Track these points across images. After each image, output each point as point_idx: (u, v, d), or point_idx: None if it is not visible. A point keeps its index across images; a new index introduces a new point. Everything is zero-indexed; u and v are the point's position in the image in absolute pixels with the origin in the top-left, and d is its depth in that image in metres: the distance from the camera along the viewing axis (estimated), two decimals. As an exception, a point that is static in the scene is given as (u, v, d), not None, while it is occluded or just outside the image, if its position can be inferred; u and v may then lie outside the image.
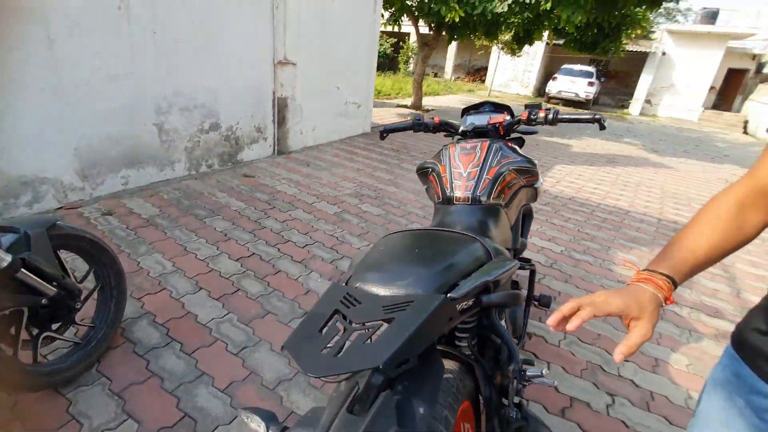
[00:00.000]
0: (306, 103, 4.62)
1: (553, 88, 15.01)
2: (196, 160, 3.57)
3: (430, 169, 1.39)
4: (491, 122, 1.52)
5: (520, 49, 8.54)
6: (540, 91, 18.03)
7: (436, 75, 20.43)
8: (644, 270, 0.67)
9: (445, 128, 1.59)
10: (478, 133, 1.54)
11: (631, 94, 16.09)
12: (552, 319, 0.63)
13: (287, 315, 1.93)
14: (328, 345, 0.58)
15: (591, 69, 15.00)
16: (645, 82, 15.35)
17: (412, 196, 3.69)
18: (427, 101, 11.12)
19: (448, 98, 13.42)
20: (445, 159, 1.35)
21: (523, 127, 1.56)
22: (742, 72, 16.20)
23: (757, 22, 17.06)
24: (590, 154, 6.82)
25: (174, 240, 2.46)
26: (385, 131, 1.62)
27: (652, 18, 7.51)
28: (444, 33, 8.07)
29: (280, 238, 2.65)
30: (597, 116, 1.41)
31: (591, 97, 14.54)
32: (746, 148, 10.35)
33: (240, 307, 1.94)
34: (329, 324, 0.61)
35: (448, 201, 1.27)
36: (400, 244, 0.87)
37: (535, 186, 1.47)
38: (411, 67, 17.85)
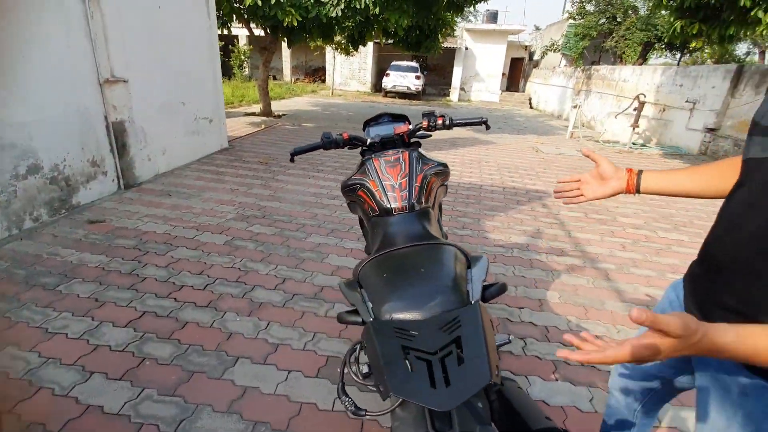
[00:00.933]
0: (148, 124, 4.01)
1: (388, 83, 16.33)
2: (17, 215, 2.77)
3: (358, 186, 1.44)
4: (397, 132, 1.65)
5: (356, 49, 9.04)
6: (377, 86, 19.40)
7: (275, 78, 19.89)
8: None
9: (354, 142, 1.64)
10: (384, 142, 1.65)
11: (450, 84, 18.71)
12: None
13: (218, 368, 1.73)
14: (424, 376, 0.59)
15: (415, 64, 16.84)
16: (457, 73, 18.04)
17: (299, 207, 3.63)
18: (276, 106, 10.82)
19: (295, 101, 13.30)
20: (372, 173, 1.42)
21: (421, 132, 1.74)
22: (520, 60, 20.51)
23: (524, 20, 21.63)
24: (434, 139, 7.76)
25: (26, 324, 1.90)
26: (295, 153, 1.59)
27: (457, 20, 8.86)
28: (281, 36, 7.95)
29: (171, 285, 2.31)
30: (483, 118, 1.67)
31: (420, 88, 16.38)
32: (536, 119, 13.25)
33: (155, 378, 1.65)
34: (410, 360, 0.62)
35: (387, 212, 1.34)
36: (399, 267, 0.91)
37: (446, 183, 1.67)
38: (246, 71, 16.95)
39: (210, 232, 3.01)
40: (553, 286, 2.61)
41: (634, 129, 8.06)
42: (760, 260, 0.64)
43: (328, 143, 1.57)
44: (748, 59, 16.67)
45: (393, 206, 1.33)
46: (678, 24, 4.42)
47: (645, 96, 8.13)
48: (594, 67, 12.44)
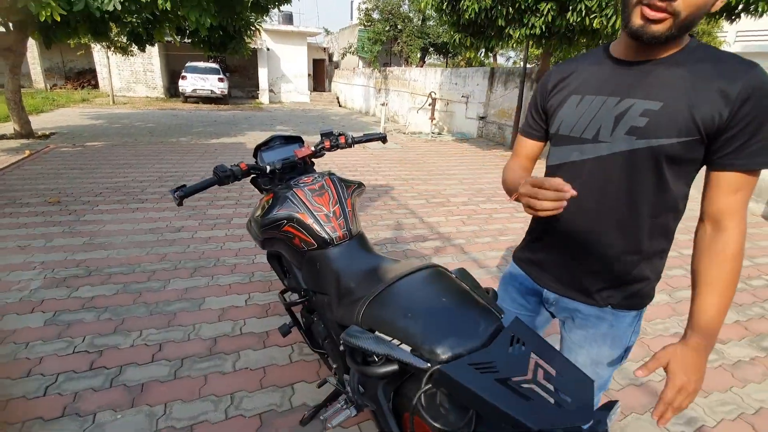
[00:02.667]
0: None
1: (186, 87, 14.54)
2: None
3: (284, 221, 1.31)
4: (301, 156, 1.56)
5: (142, 49, 7.71)
6: (171, 90, 16.99)
7: (22, 86, 14.94)
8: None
9: (253, 172, 1.47)
10: (286, 168, 1.53)
11: (257, 86, 18.01)
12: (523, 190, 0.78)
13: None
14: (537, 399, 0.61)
15: (215, 66, 15.49)
16: (263, 74, 17.51)
17: (138, 251, 2.96)
18: (37, 123, 8.25)
19: (63, 114, 10.42)
20: (299, 206, 1.31)
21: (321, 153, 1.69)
22: (321, 61, 21.41)
23: (318, 23, 22.52)
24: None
25: None
26: (185, 195, 1.31)
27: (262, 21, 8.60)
28: (32, 33, 6.06)
29: (-21, 408, 1.58)
30: (382, 134, 1.75)
31: (225, 92, 15.21)
32: (349, 117, 14.19)
33: None
34: (516, 389, 0.63)
35: (326, 244, 1.28)
36: (418, 302, 0.90)
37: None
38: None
39: (15, 314, 2.16)
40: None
41: (432, 121, 9.61)
42: (596, 240, 0.89)
43: (226, 177, 1.36)
44: (487, 62, 21.88)
45: (333, 236, 1.28)
46: (457, 36, 5.49)
47: (435, 93, 9.76)
48: (388, 68, 14.12)
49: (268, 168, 1.48)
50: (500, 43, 5.18)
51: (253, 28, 8.23)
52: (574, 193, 0.68)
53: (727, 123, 0.72)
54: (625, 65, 0.81)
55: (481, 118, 9.63)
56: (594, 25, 4.07)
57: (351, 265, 1.22)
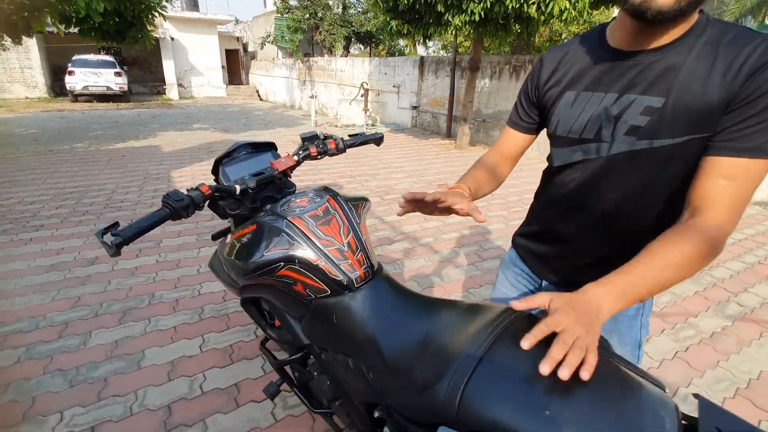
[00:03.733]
0: None
1: (75, 83, 12.48)
2: None
3: (281, 263, 0.96)
4: (282, 168, 1.20)
5: (17, 41, 6.30)
6: (56, 88, 14.50)
7: None
8: (455, 183, 0.93)
9: (219, 195, 1.09)
10: (261, 185, 1.17)
11: (163, 80, 16.13)
12: (408, 195, 0.84)
13: None
14: None
15: (110, 58, 13.50)
16: (169, 67, 15.71)
17: (40, 298, 2.30)
18: None
19: None
20: (301, 241, 0.97)
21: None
22: (235, 52, 19.85)
23: (228, 10, 20.81)
24: (188, 149, 6.58)
25: None
26: (124, 242, 0.88)
27: (166, 6, 7.54)
28: None
29: None
30: (379, 134, 1.44)
31: (125, 88, 13.37)
32: (274, 111, 13.33)
33: None
34: None
35: (344, 288, 0.96)
36: (557, 383, 0.57)
37: None
38: None
39: None
40: (407, 275, 2.72)
41: (366, 113, 9.34)
42: (610, 246, 0.85)
43: (183, 209, 0.97)
44: (407, 51, 22.07)
45: (352, 277, 0.96)
46: (393, 23, 5.25)
47: (368, 84, 9.48)
48: (312, 59, 13.47)
49: (238, 188, 1.10)
50: (439, 30, 5.05)
51: (156, 14, 7.17)
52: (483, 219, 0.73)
53: (732, 102, 0.62)
54: (624, 56, 0.73)
55: (414, 107, 9.59)
56: (531, 12, 4.10)
57: (391, 317, 0.92)
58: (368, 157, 6.34)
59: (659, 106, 0.69)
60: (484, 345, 0.66)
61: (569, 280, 0.93)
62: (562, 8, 3.98)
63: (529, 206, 1.07)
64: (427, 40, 5.67)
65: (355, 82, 11.28)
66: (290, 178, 1.29)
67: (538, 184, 1.02)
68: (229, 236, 1.17)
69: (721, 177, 0.64)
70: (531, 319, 0.72)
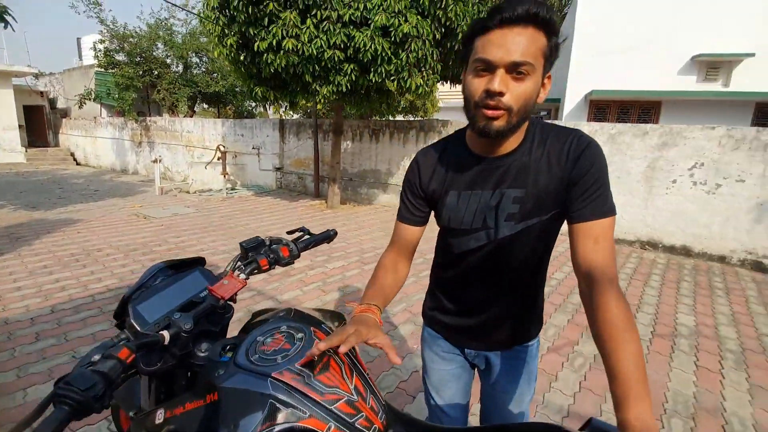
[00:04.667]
0: None
1: None
2: None
3: None
4: (227, 295, 0.90)
5: None
6: None
7: None
8: (361, 305, 0.92)
9: (142, 352, 0.75)
10: (196, 321, 0.86)
11: None
12: (323, 345, 0.72)
13: None
14: None
15: None
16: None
17: None
18: None
19: None
20: (300, 405, 0.70)
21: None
22: (38, 108, 16.29)
23: (30, 61, 17.24)
24: (-30, 239, 4.80)
25: None
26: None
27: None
28: None
29: None
30: (331, 231, 1.24)
31: None
32: (100, 177, 11.20)
33: None
34: None
35: None
36: None
37: None
38: None
39: None
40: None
41: (225, 176, 8.65)
42: (508, 313, 1.06)
43: (95, 399, 0.62)
44: (257, 112, 21.87)
45: (380, 428, 0.74)
46: (258, 89, 5.10)
47: (225, 147, 8.87)
48: (150, 118, 12.01)
49: (167, 335, 0.77)
50: (307, 97, 5.12)
51: None
52: (398, 361, 0.75)
53: (569, 183, 0.86)
54: (488, 161, 0.92)
55: (278, 168, 9.37)
56: (390, 86, 4.56)
57: None
58: (238, 226, 5.78)
59: (522, 195, 0.90)
60: None
61: (490, 344, 1.10)
62: (418, 84, 4.55)
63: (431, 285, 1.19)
64: (294, 107, 5.68)
65: (207, 144, 10.47)
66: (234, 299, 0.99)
67: None
68: (159, 413, 0.79)
69: (590, 239, 0.83)
70: None
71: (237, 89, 13.07)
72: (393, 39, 4.13)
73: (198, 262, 1.03)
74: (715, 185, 5.06)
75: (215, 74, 12.49)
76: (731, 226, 5.02)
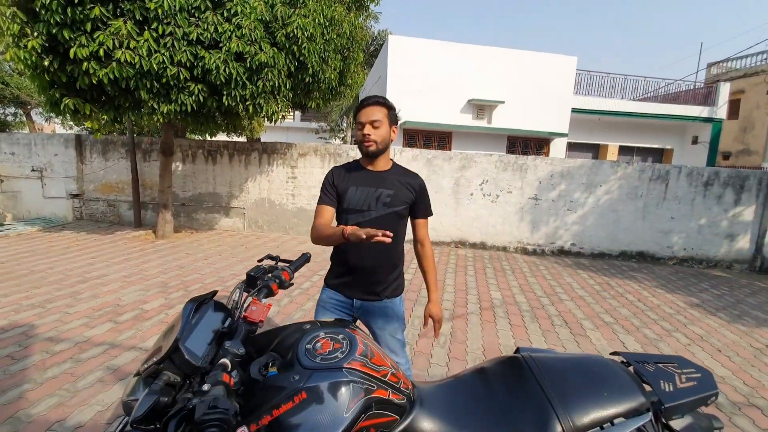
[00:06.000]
0: None
1: None
2: None
3: (362, 416, 0.89)
4: (262, 318, 1.01)
5: None
6: None
7: None
8: (345, 227, 1.55)
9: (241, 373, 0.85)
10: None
11: None
12: (371, 231, 1.31)
13: None
14: None
15: None
16: None
17: None
18: None
19: None
20: (370, 381, 0.93)
21: None
22: None
23: None
24: None
25: None
26: None
27: None
28: None
29: None
30: (307, 255, 1.39)
31: None
32: None
33: None
34: None
35: (411, 405, 1.01)
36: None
37: None
38: None
39: None
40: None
41: (-10, 208, 6.45)
42: (376, 266, 1.66)
43: (233, 418, 0.77)
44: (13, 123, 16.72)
45: (410, 393, 1.04)
46: (69, 101, 4.15)
47: (-14, 168, 6.61)
48: None
49: (228, 363, 0.89)
50: (139, 115, 4.49)
51: None
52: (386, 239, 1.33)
53: (415, 198, 1.68)
54: (372, 172, 1.67)
55: (75, 195, 7.58)
56: (249, 109, 4.54)
57: (457, 405, 1.05)
58: (37, 272, 4.52)
59: (392, 193, 1.63)
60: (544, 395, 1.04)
61: (370, 294, 1.68)
62: (274, 110, 4.68)
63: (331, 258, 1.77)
64: (117, 123, 4.85)
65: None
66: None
67: None
68: (240, 430, 0.85)
69: (424, 227, 1.76)
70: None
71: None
72: (248, 66, 4.16)
73: (213, 294, 1.08)
74: (495, 196, 6.94)
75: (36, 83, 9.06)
76: (507, 224, 6.99)
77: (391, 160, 1.73)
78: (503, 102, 11.06)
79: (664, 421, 1.01)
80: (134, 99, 4.31)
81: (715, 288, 5.51)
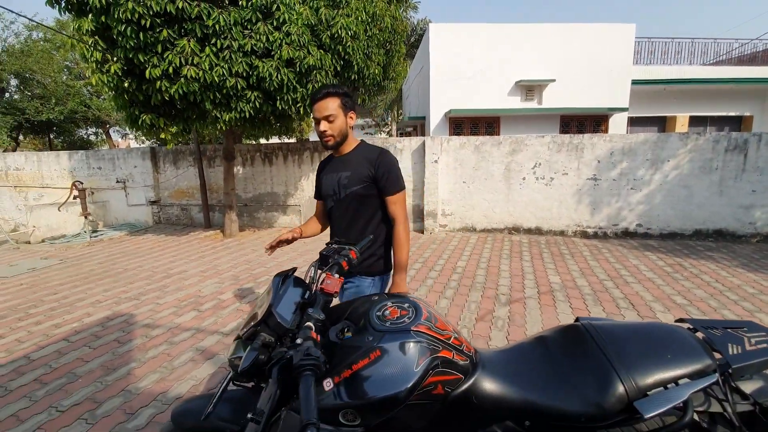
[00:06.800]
0: None
1: None
2: None
3: (430, 372, 0.99)
4: (335, 289, 1.15)
5: None
6: None
7: None
8: (298, 228, 1.83)
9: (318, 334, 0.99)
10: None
11: None
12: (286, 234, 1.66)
13: None
14: None
15: None
16: None
17: None
18: None
19: None
20: (435, 342, 1.03)
21: None
22: None
23: None
24: None
25: None
26: None
27: None
28: None
29: None
30: (370, 236, 1.52)
31: None
32: None
33: None
34: None
35: (473, 366, 1.09)
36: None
37: None
38: None
39: None
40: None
41: (86, 217, 7.40)
42: (361, 229, 1.74)
43: (324, 365, 0.90)
44: (96, 141, 18.78)
45: (472, 354, 1.12)
46: (146, 117, 4.69)
47: (81, 183, 7.58)
48: (-50, 156, 9.33)
49: (312, 326, 1.03)
50: (205, 124, 4.94)
51: None
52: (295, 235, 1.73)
53: (375, 175, 1.67)
54: (338, 158, 1.77)
55: (153, 202, 8.43)
56: (300, 111, 4.81)
57: (519, 367, 1.12)
58: (129, 270, 5.14)
59: (349, 174, 1.69)
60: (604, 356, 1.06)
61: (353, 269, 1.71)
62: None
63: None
64: (186, 134, 5.36)
65: (47, 181, 8.77)
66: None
67: None
68: (326, 382, 0.99)
69: (393, 204, 1.71)
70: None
71: (77, 115, 11.18)
72: (298, 70, 4.40)
73: (293, 271, 1.24)
74: (550, 179, 6.70)
75: (49, 99, 10.47)
76: (564, 208, 6.72)
77: (358, 140, 1.78)
78: (554, 80, 10.53)
79: (732, 383, 1.00)
80: (200, 110, 4.73)
81: (811, 266, 4.93)
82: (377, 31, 5.00)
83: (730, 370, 1.00)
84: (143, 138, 16.81)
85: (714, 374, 0.99)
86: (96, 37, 4.12)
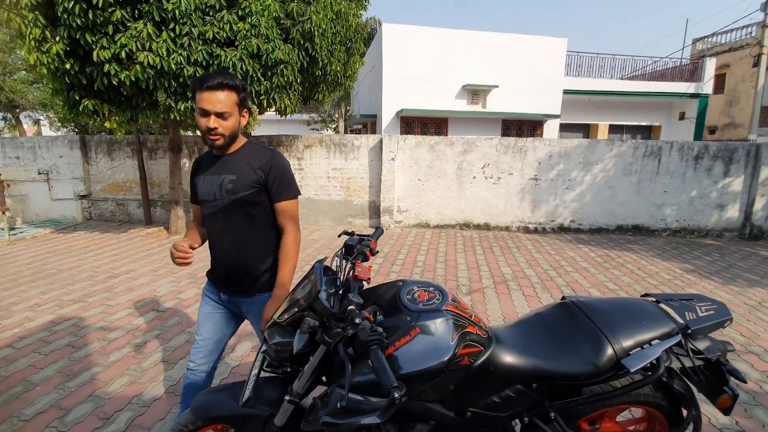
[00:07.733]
0: None
1: None
2: None
3: (461, 345, 1.13)
4: (367, 276, 1.24)
5: None
6: None
7: None
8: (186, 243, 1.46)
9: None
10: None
11: None
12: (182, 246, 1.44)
13: None
14: None
15: None
16: None
17: None
18: None
19: None
20: (462, 320, 1.17)
21: None
22: None
23: None
24: None
25: None
26: None
27: None
28: None
29: None
30: (380, 229, 1.60)
31: None
32: None
33: None
34: None
35: (490, 340, 1.25)
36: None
37: None
38: None
39: None
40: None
41: (4, 213, 6.53)
42: (237, 260, 1.51)
43: (386, 340, 1.00)
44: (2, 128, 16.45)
45: (488, 330, 1.28)
46: (88, 103, 4.25)
47: (0, 174, 6.66)
48: None
49: (354, 307, 1.12)
50: (156, 114, 4.62)
51: None
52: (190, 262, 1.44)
53: (264, 180, 1.45)
54: (220, 157, 1.49)
55: (83, 196, 7.66)
56: (263, 105, 4.69)
57: (527, 338, 1.30)
58: (65, 270, 4.68)
59: (234, 178, 1.44)
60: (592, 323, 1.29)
61: (236, 288, 1.54)
62: (286, 105, 4.84)
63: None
64: (132, 122, 4.96)
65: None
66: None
67: None
68: (370, 361, 1.08)
69: (284, 213, 1.48)
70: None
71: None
72: (264, 62, 4.30)
73: (323, 261, 1.31)
74: (497, 178, 7.20)
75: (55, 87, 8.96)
76: (509, 205, 7.27)
77: (245, 138, 1.52)
78: (497, 86, 11.26)
79: (691, 344, 1.27)
80: (151, 98, 4.43)
81: (708, 255, 5.87)
82: (342, 29, 5.04)
83: (689, 332, 1.26)
84: (59, 125, 15.04)
85: (678, 335, 1.24)
86: (36, 13, 3.68)
